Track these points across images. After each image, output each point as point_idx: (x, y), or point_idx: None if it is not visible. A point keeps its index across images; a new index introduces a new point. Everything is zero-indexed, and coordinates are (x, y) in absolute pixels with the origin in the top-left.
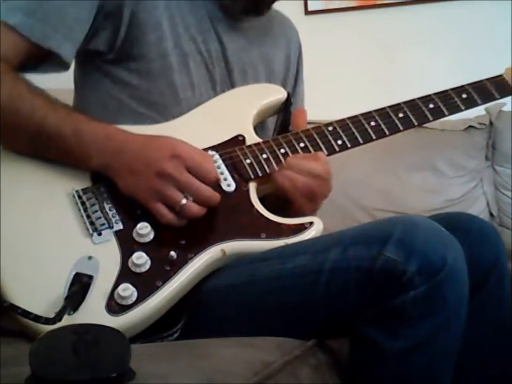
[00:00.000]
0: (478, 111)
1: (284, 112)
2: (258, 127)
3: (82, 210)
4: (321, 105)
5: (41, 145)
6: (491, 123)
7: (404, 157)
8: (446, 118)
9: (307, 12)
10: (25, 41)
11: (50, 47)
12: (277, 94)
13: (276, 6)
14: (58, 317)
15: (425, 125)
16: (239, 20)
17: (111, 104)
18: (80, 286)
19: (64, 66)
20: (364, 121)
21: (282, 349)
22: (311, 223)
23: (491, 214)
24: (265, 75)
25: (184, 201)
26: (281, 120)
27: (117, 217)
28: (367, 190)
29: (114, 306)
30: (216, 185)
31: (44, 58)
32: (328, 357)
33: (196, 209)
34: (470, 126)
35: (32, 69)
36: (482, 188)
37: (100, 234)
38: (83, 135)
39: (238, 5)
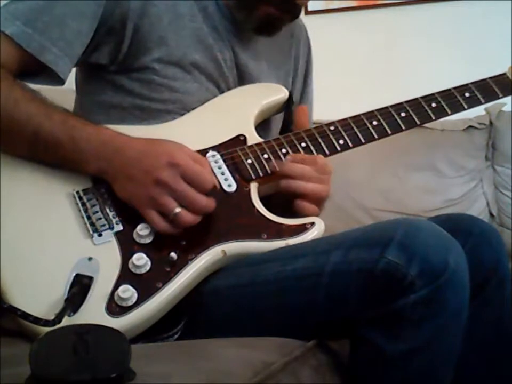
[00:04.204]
0: (478, 111)
1: (286, 111)
2: (261, 127)
3: (82, 211)
4: (323, 105)
5: (38, 151)
6: (491, 123)
7: (404, 157)
8: (446, 118)
9: (307, 12)
10: (22, 51)
11: (46, 61)
12: (279, 93)
13: None
14: (58, 318)
15: (425, 125)
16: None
17: (114, 111)
18: (80, 288)
19: (59, 81)
20: (366, 121)
21: (283, 349)
22: (313, 223)
23: (491, 214)
24: (276, 82)
25: (177, 210)
26: (283, 119)
27: (118, 218)
28: (367, 190)
29: (115, 307)
30: (215, 188)
31: (41, 69)
32: (328, 357)
33: (190, 218)
34: (470, 126)
35: (31, 78)
36: (482, 188)
37: (100, 235)
38: (79, 142)
39: (251, 23)
